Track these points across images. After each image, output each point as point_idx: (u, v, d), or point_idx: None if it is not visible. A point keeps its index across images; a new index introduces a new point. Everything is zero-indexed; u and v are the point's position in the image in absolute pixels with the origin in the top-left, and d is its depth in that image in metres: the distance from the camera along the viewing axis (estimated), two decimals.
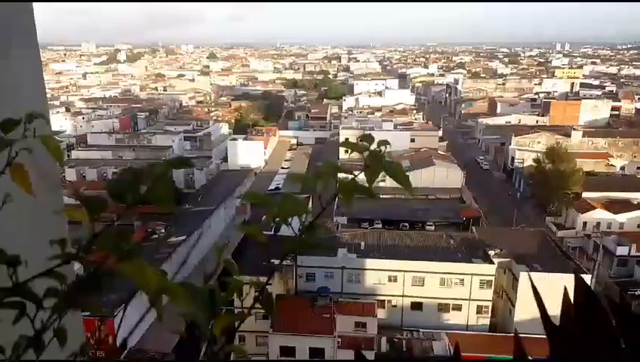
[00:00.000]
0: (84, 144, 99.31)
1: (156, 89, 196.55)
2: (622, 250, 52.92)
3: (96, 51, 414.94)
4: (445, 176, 73.48)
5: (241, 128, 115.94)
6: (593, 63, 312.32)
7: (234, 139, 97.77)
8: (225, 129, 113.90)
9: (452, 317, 43.12)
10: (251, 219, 61.27)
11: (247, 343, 40.87)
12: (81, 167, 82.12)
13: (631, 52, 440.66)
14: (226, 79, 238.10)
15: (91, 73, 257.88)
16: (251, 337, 41.10)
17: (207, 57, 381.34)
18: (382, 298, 42.68)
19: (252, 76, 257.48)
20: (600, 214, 63.66)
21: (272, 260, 43.70)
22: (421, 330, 40.58)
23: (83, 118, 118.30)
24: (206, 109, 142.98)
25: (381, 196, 73.13)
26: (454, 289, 42.53)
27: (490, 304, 43.28)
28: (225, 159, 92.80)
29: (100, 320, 33.93)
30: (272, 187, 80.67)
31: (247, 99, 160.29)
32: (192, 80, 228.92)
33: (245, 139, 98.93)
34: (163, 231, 52.98)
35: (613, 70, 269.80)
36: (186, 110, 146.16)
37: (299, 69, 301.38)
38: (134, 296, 37.05)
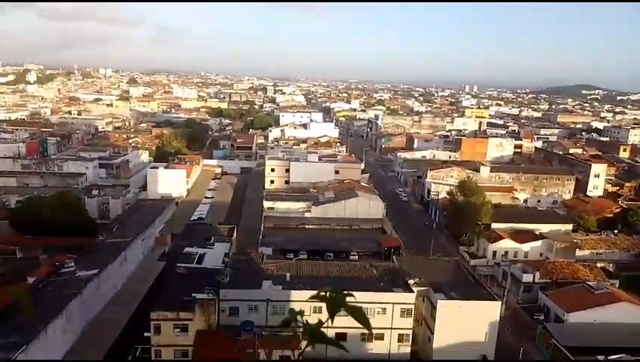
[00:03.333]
0: None
1: (70, 113, 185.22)
2: (527, 277, 57.25)
3: (2, 70, 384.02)
4: (368, 207, 75.71)
5: (163, 156, 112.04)
6: (498, 105, 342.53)
7: (154, 167, 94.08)
8: (145, 156, 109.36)
9: (375, 347, 43.75)
10: (171, 251, 58.80)
11: None
12: None
13: (529, 96, 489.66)
14: (147, 105, 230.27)
15: None
16: None
17: (127, 82, 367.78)
18: None
19: (175, 103, 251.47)
20: (507, 244, 68.71)
21: (194, 294, 42.12)
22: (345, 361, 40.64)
23: None
24: (124, 135, 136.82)
25: (306, 226, 73.83)
26: (377, 319, 43.30)
27: (410, 332, 44.54)
28: (144, 188, 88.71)
29: None
30: (194, 217, 78.28)
31: (170, 127, 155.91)
32: (110, 105, 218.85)
33: (167, 167, 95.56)
34: (72, 264, 49.08)
35: (515, 111, 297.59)
36: (102, 136, 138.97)
37: (224, 98, 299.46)
38: (36, 338, 33.88)
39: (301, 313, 3.01)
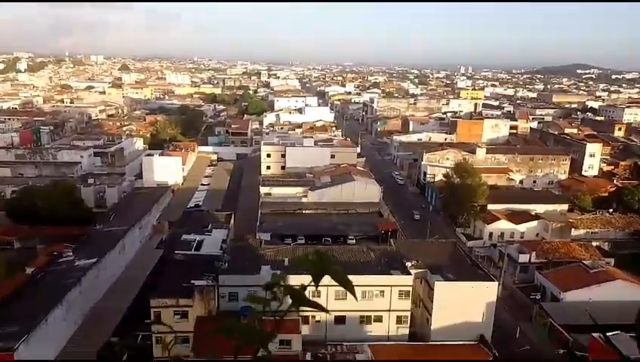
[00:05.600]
0: None
1: (62, 101, 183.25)
2: (523, 258, 57.75)
3: None
4: (364, 191, 75.80)
5: (158, 143, 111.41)
6: (493, 86, 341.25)
7: (149, 155, 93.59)
8: (139, 144, 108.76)
9: (374, 329, 44.24)
10: (169, 238, 58.84)
11: None
12: None
13: (524, 76, 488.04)
14: (140, 92, 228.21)
15: None
16: None
17: (120, 69, 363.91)
18: (306, 314, 42.79)
19: (169, 90, 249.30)
20: (503, 225, 69.13)
21: (193, 280, 42.32)
22: (344, 344, 41.15)
23: None
24: (118, 123, 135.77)
25: (303, 211, 73.97)
26: (375, 301, 43.75)
27: (408, 314, 45.00)
28: (140, 175, 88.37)
29: None
30: (191, 204, 78.21)
31: (164, 113, 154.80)
32: (103, 92, 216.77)
33: (162, 154, 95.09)
34: (70, 254, 49.11)
35: (510, 92, 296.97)
36: (95, 124, 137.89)
37: (218, 83, 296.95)
38: (36, 328, 34.01)
39: (284, 277, 3.01)
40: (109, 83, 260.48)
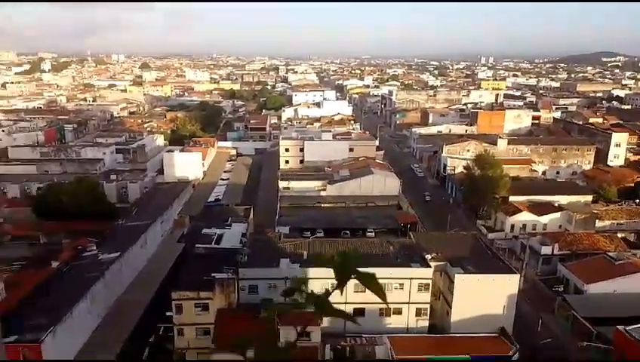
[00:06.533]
0: (4, 158, 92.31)
1: (85, 100, 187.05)
2: (546, 250, 56.75)
3: (17, 60, 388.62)
4: (383, 184, 75.40)
5: (178, 139, 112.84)
6: (515, 76, 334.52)
7: (170, 151, 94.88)
8: (160, 140, 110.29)
9: (393, 321, 44.11)
10: (190, 232, 59.64)
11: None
12: (1, 183, 76.25)
13: (547, 66, 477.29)
14: (160, 89, 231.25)
15: (11, 83, 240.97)
16: (192, 353, 39.88)
17: (140, 67, 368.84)
18: None
19: (188, 86, 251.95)
20: (525, 216, 67.98)
21: (214, 273, 42.84)
22: (364, 335, 41.15)
23: (3, 131, 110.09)
24: (139, 120, 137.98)
25: (322, 205, 74.06)
26: (394, 294, 43.57)
27: (428, 306, 44.72)
28: (161, 171, 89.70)
29: (25, 346, 31.52)
30: (211, 199, 79.05)
31: (184, 110, 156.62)
32: (124, 90, 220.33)
33: (182, 150, 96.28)
34: (94, 248, 50.22)
35: (533, 82, 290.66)
36: (117, 121, 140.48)
37: (236, 79, 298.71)
38: (62, 320, 34.93)
39: (305, 281, 2.74)
40: (130, 81, 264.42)
